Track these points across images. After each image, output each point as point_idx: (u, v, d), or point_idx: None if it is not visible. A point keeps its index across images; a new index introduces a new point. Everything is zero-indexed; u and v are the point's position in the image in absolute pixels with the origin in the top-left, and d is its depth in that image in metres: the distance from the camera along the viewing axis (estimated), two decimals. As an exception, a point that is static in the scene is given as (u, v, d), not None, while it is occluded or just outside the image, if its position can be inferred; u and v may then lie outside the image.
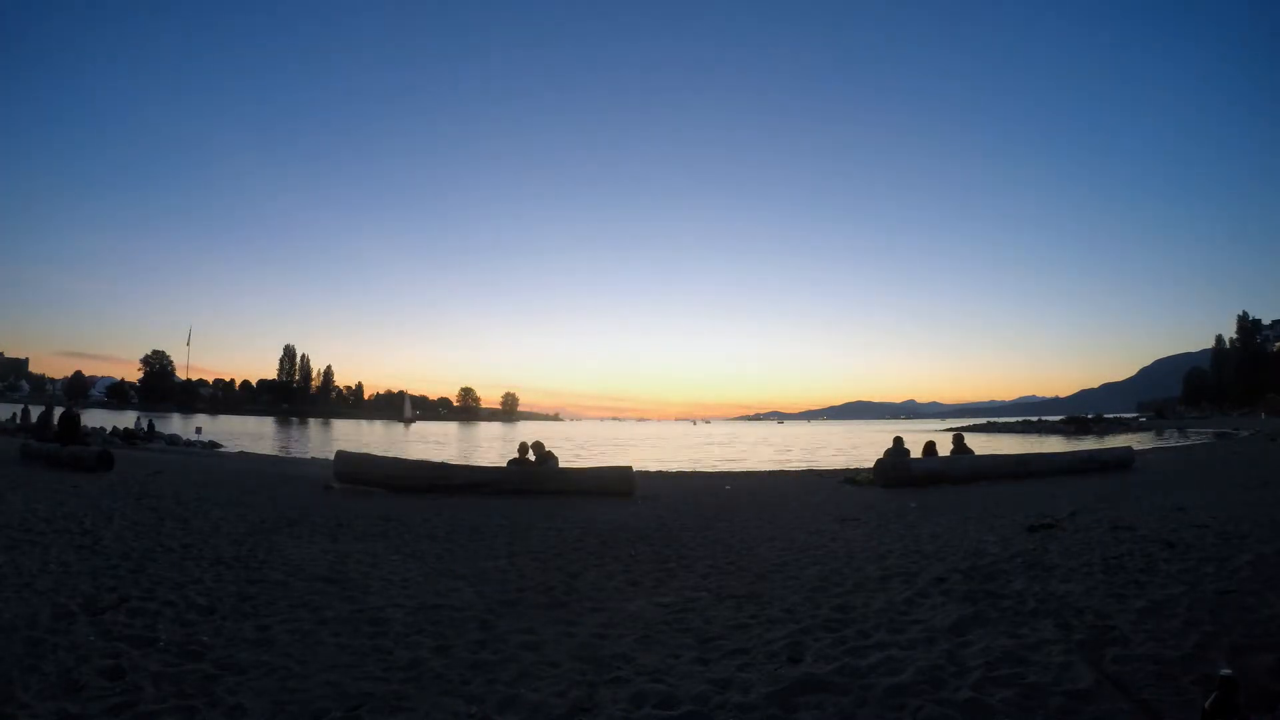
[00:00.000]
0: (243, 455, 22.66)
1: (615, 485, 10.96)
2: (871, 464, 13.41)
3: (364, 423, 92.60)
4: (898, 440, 13.55)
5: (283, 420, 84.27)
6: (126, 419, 34.47)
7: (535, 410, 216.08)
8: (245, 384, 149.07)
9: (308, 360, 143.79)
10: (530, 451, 11.83)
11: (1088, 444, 29.67)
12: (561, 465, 12.00)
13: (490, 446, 37.27)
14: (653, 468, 20.51)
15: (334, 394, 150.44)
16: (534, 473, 11.26)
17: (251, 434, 43.61)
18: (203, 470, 12.97)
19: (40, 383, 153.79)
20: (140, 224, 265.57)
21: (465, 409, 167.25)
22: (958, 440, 14.00)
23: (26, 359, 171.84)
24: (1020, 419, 77.51)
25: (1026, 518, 6.95)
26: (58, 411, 16.19)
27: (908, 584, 4.63)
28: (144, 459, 14.89)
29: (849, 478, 13.63)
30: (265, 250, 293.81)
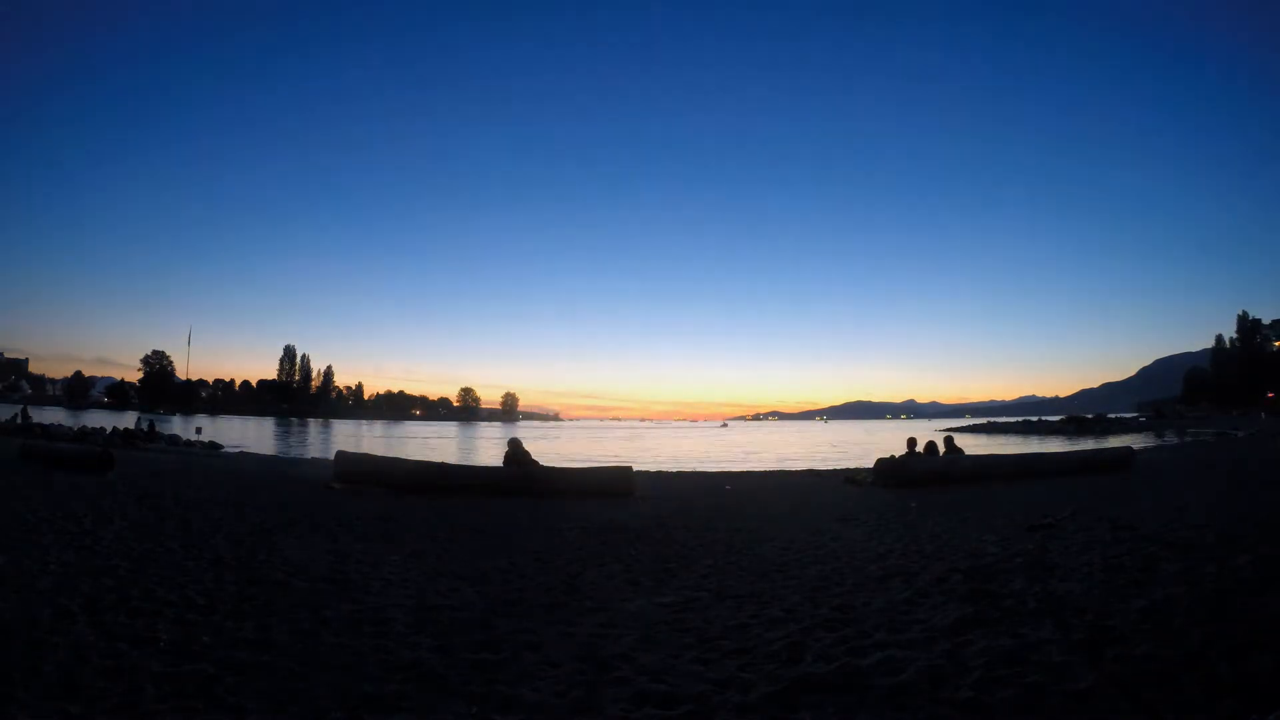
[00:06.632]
0: (243, 455, 22.68)
1: (615, 485, 10.96)
2: (871, 464, 13.43)
3: (364, 423, 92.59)
4: (911, 441, 13.65)
5: (283, 421, 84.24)
6: (127, 420, 34.47)
7: (535, 410, 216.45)
8: (245, 384, 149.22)
9: (308, 360, 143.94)
10: (512, 452, 11.64)
11: (1087, 444, 29.66)
12: (561, 466, 11.98)
13: (489, 447, 37.26)
14: (652, 468, 20.52)
15: (334, 394, 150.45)
16: (534, 473, 11.25)
17: (252, 434, 43.63)
18: (203, 470, 12.96)
19: (40, 383, 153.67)
20: (140, 224, 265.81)
21: (465, 409, 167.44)
22: (949, 442, 14.13)
23: (26, 359, 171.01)
24: (1020, 419, 77.56)
25: (1027, 518, 6.95)
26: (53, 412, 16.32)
27: (908, 584, 4.63)
28: (144, 459, 14.90)
29: (849, 478, 13.64)
30: (265, 250, 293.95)
